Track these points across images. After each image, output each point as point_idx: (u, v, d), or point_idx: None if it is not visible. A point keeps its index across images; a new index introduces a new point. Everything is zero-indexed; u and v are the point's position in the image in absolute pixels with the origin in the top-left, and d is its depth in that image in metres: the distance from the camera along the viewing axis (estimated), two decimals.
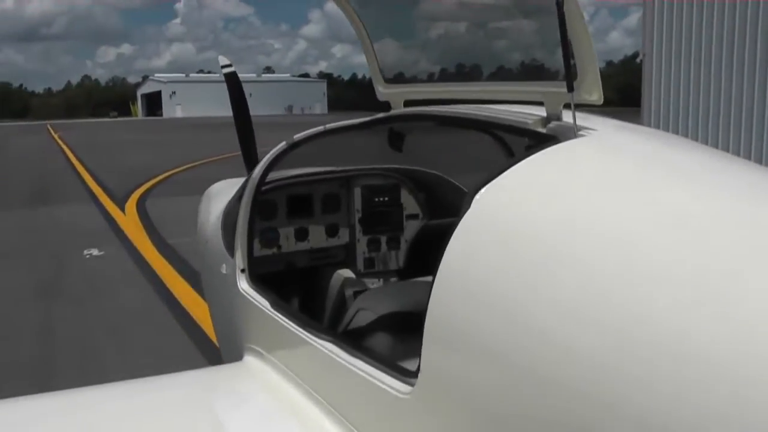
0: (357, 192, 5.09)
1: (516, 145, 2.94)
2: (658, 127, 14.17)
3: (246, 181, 4.10)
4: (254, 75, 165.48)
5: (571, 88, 2.17)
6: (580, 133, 2.20)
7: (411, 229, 5.12)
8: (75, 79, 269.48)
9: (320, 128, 3.79)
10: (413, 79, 3.74)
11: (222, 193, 5.40)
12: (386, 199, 5.10)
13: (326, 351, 2.79)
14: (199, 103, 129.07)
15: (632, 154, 2.17)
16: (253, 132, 4.75)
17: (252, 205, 3.94)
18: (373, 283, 5.05)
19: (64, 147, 43.93)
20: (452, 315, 2.00)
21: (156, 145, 42.70)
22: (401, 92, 3.60)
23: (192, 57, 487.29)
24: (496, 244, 1.98)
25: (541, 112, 2.44)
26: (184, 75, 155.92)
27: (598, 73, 2.19)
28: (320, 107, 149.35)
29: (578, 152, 2.15)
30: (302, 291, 4.94)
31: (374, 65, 3.69)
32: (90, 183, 23.45)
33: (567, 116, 2.32)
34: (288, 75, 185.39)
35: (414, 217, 5.16)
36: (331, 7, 3.57)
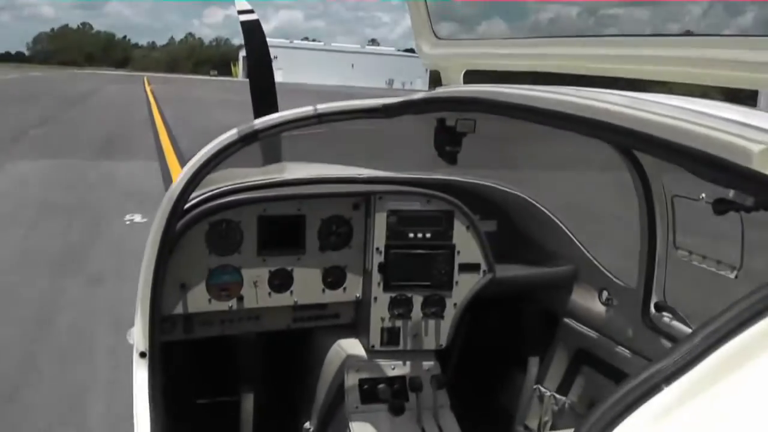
0: (380, 219, 3.32)
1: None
2: None
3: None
4: (359, 46, 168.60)
5: None
6: None
7: (466, 286, 3.49)
8: (179, 36, 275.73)
9: (304, 111, 2.62)
10: (483, 35, 2.73)
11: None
12: (428, 235, 3.41)
13: None
14: (300, 69, 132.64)
15: None
16: (275, 96, 3.56)
17: (165, 233, 2.72)
18: (393, 368, 3.50)
19: (152, 100, 43.79)
20: None
21: (246, 105, 42.45)
22: (461, 54, 2.62)
23: (299, 24, 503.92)
24: None
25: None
26: (288, 41, 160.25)
27: None
28: (421, 83, 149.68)
29: None
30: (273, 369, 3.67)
31: (419, 8, 2.63)
32: (163, 140, 22.72)
33: None
34: (392, 48, 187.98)
35: (472, 268, 3.49)
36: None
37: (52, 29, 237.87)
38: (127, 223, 10.71)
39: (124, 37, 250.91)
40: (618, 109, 1.69)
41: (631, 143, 1.75)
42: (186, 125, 26.83)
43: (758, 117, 1.59)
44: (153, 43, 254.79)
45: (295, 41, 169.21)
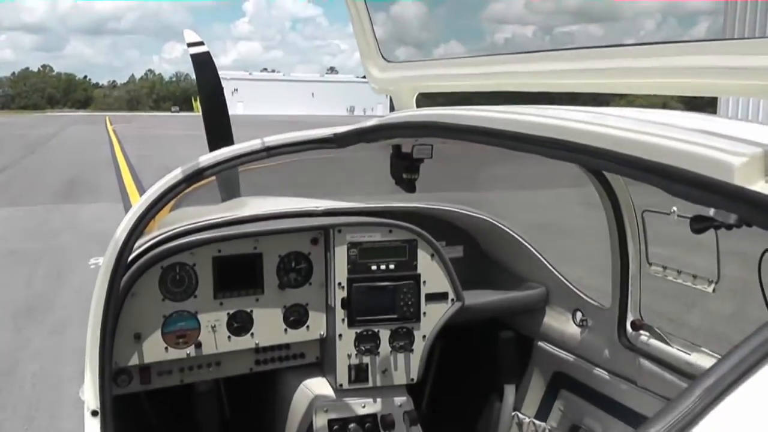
0: (341, 252, 3.21)
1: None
2: None
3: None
4: (318, 75, 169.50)
5: None
6: None
7: (434, 317, 3.39)
8: (139, 73, 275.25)
9: (251, 144, 2.57)
10: (435, 56, 2.62)
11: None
12: (391, 266, 3.31)
13: None
14: (261, 101, 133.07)
15: None
16: (230, 129, 3.65)
17: (111, 282, 2.55)
18: (364, 407, 3.36)
19: (114, 139, 43.58)
20: None
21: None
22: (412, 77, 2.52)
23: (257, 56, 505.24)
24: None
25: (751, 134, 1.42)
26: (247, 73, 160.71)
27: None
28: (382, 108, 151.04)
29: None
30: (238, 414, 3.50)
31: (365, 31, 2.55)
32: (126, 180, 22.43)
33: None
34: (352, 75, 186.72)
35: (439, 297, 3.39)
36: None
37: (13, 73, 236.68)
38: (92, 266, 10.29)
39: (85, 77, 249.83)
40: (583, 127, 1.60)
41: (596, 163, 1.64)
42: (149, 164, 26.58)
43: (724, 125, 1.54)
44: (114, 81, 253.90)
45: (255, 73, 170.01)
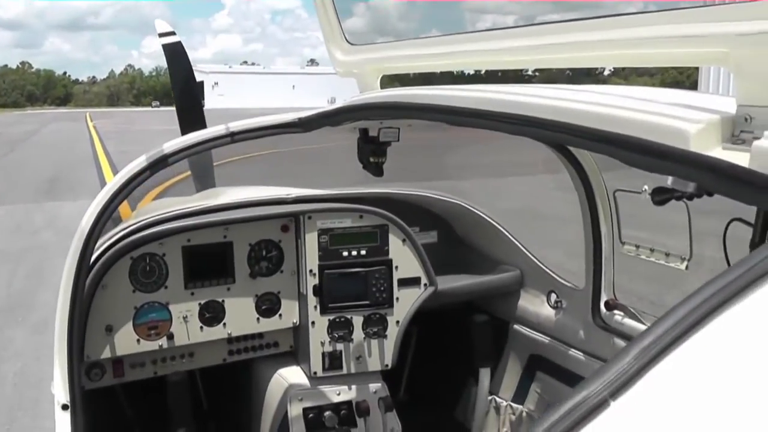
0: (311, 239, 3.20)
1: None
2: None
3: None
4: (298, 67, 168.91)
5: None
6: None
7: (407, 302, 3.39)
8: (119, 69, 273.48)
9: (215, 130, 2.55)
10: (398, 36, 2.51)
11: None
12: (363, 252, 3.31)
13: None
14: (242, 94, 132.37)
15: None
16: (203, 118, 3.56)
17: (77, 274, 2.52)
18: (339, 394, 3.36)
19: (95, 136, 43.40)
20: None
21: None
22: (376, 59, 2.49)
23: (238, 49, 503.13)
24: None
25: (710, 103, 1.42)
26: (227, 66, 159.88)
27: None
28: None
29: None
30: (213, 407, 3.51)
31: (328, 14, 2.55)
32: (107, 176, 22.37)
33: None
34: (332, 68, 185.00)
35: (411, 282, 3.39)
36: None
37: None
38: None
39: (64, 73, 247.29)
40: (541, 102, 1.60)
41: (556, 137, 1.64)
42: (130, 160, 26.03)
43: (696, 98, 1.53)
44: (93, 77, 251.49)
45: (235, 66, 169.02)
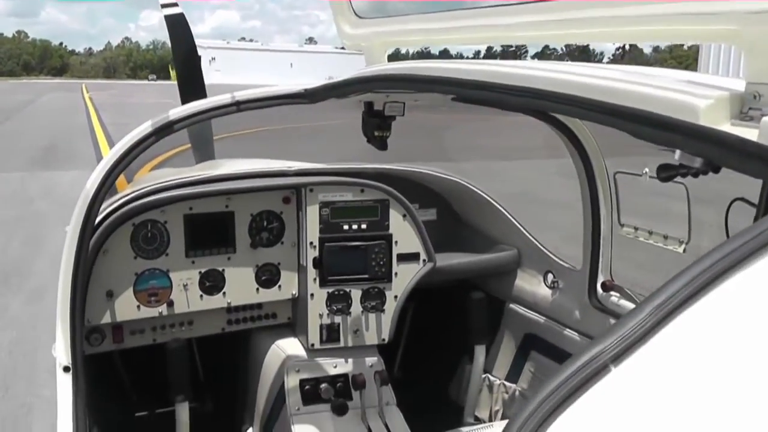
0: (312, 212, 3.21)
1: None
2: None
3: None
4: (296, 45, 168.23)
5: None
6: None
7: (405, 277, 3.40)
8: (116, 41, 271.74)
9: (221, 99, 2.52)
10: (406, 10, 2.40)
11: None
12: (363, 226, 3.33)
13: None
14: (239, 70, 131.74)
15: None
16: (204, 89, 3.56)
17: (81, 238, 2.53)
18: (335, 367, 3.38)
19: (91, 107, 43.23)
20: None
21: None
22: (384, 33, 2.45)
23: (236, 25, 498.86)
24: None
25: (718, 82, 1.43)
26: (225, 42, 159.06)
27: None
28: None
29: None
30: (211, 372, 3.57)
31: None
32: (103, 147, 22.29)
33: None
34: (330, 46, 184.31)
35: (410, 257, 3.40)
36: None
37: None
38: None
39: (61, 44, 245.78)
40: (549, 75, 1.60)
41: (565, 109, 1.64)
42: (126, 131, 25.69)
43: (703, 77, 1.54)
44: (90, 49, 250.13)
45: (233, 42, 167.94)
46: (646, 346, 1.04)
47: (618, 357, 1.04)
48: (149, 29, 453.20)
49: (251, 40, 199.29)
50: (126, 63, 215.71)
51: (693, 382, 1.00)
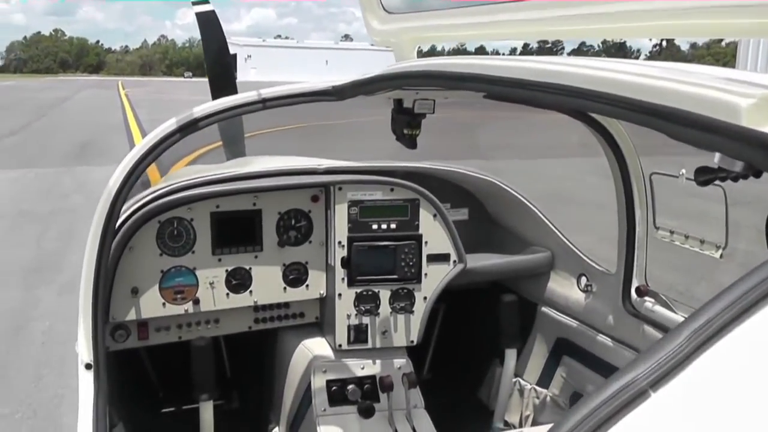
0: (341, 210, 3.16)
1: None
2: None
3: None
4: (332, 42, 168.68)
5: None
6: None
7: (435, 278, 3.34)
8: (152, 39, 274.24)
9: (247, 96, 2.49)
10: (436, 6, 2.33)
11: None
12: (393, 225, 3.27)
13: None
14: (274, 67, 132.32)
15: None
16: (235, 87, 3.53)
17: (104, 235, 2.51)
18: (362, 368, 3.33)
19: (126, 103, 43.74)
20: None
21: None
22: (413, 28, 2.40)
23: (272, 22, 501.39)
24: None
25: (759, 79, 1.29)
26: (261, 40, 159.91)
27: None
28: None
29: None
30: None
31: None
32: (138, 143, 21.95)
33: None
34: (366, 43, 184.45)
35: (441, 258, 3.34)
36: None
37: (25, 37, 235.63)
38: None
39: (97, 41, 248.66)
40: (587, 72, 1.54)
41: (601, 108, 1.56)
42: None
43: (743, 74, 1.45)
44: (126, 47, 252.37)
45: (268, 40, 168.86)
46: (685, 372, 0.99)
47: (657, 382, 1.00)
48: (185, 27, 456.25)
49: (287, 38, 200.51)
50: (162, 60, 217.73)
51: (732, 412, 0.96)
